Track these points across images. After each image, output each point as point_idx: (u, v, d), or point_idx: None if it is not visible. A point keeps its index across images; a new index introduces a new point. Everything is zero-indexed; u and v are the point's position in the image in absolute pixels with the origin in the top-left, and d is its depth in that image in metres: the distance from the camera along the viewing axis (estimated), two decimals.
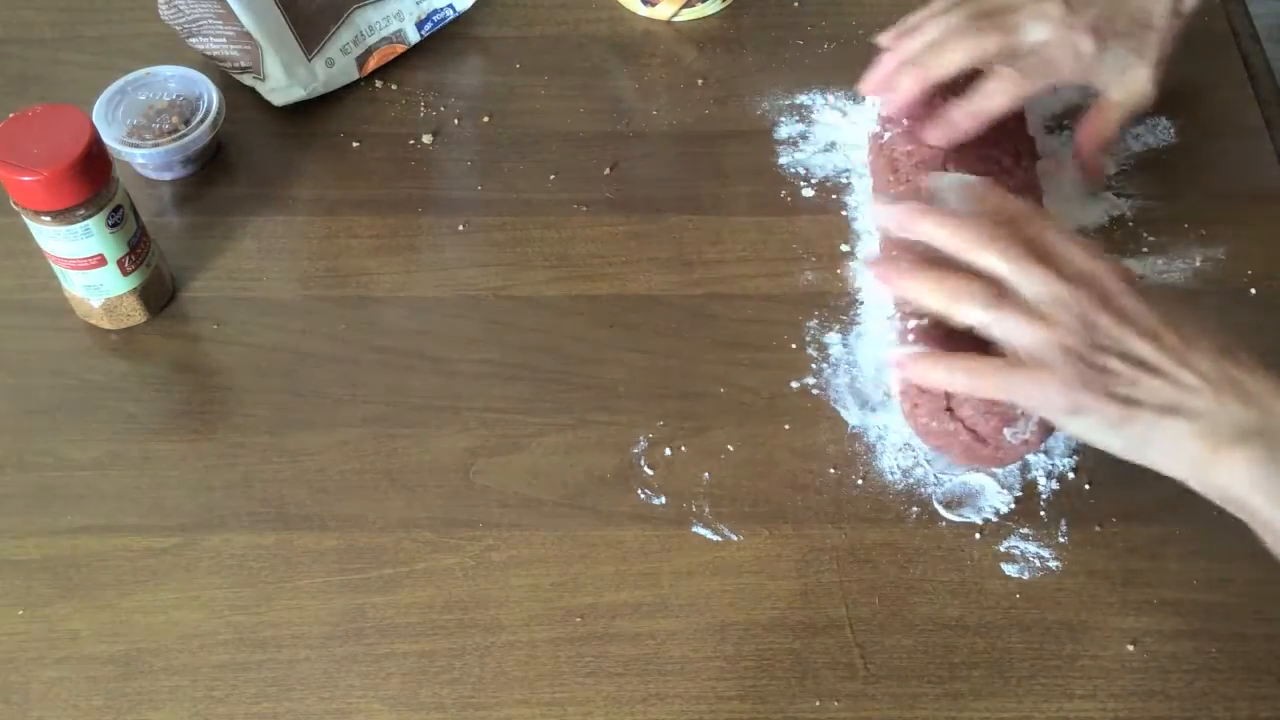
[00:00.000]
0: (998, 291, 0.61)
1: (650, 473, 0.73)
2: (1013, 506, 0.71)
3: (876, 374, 0.75)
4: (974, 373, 0.62)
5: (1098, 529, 0.70)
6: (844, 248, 0.81)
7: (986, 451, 0.68)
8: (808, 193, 0.84)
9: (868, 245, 0.81)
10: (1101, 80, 0.76)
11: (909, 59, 0.74)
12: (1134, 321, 0.60)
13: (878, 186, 0.78)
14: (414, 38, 0.92)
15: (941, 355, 0.64)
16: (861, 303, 0.79)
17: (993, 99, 0.73)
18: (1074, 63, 0.73)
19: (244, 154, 0.87)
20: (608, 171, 0.86)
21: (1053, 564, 0.69)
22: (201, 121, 0.83)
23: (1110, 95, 0.77)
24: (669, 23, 0.95)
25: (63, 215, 0.72)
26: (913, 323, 0.67)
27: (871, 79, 0.76)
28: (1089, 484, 0.72)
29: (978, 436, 0.67)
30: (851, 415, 0.74)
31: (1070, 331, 0.60)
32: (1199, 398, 0.59)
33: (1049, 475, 0.72)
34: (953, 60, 0.73)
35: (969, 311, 0.61)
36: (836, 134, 0.87)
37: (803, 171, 0.85)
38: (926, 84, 0.74)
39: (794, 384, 0.76)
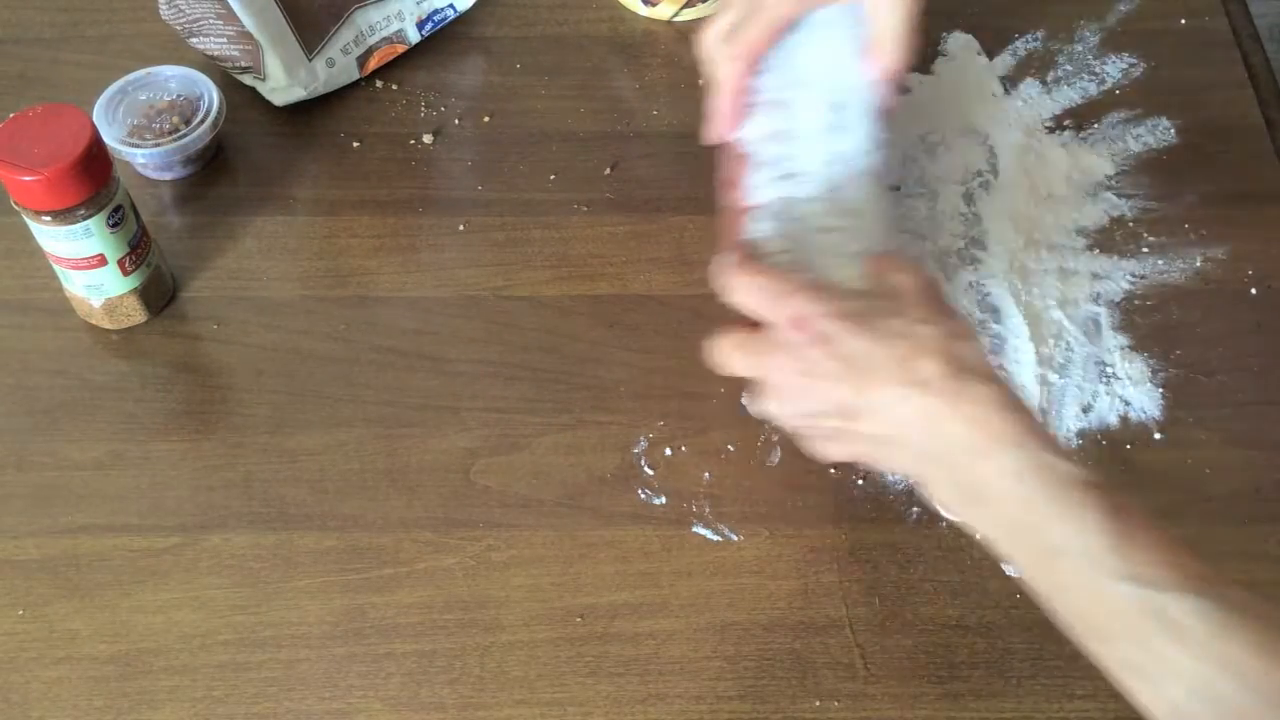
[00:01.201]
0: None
1: (650, 473, 0.73)
2: None
3: None
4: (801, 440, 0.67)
5: None
6: None
7: None
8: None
9: None
10: None
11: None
12: (818, 375, 0.61)
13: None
14: (414, 38, 0.92)
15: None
16: None
17: (732, 47, 0.70)
18: None
19: (244, 154, 0.87)
20: (608, 171, 0.86)
21: None
22: (201, 121, 0.83)
23: (876, 6, 0.71)
24: (669, 23, 0.95)
25: (63, 215, 0.72)
26: None
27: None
28: None
29: None
30: None
31: (788, 401, 0.64)
32: (888, 429, 0.60)
33: None
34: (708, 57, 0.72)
35: (753, 405, 0.68)
36: None
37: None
38: (731, 89, 0.72)
39: None
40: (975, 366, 0.59)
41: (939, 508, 0.63)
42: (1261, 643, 0.50)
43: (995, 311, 0.78)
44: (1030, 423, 0.58)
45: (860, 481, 0.72)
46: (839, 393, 0.61)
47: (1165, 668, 0.52)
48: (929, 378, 0.58)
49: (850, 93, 0.71)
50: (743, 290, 0.64)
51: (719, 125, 0.72)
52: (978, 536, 0.60)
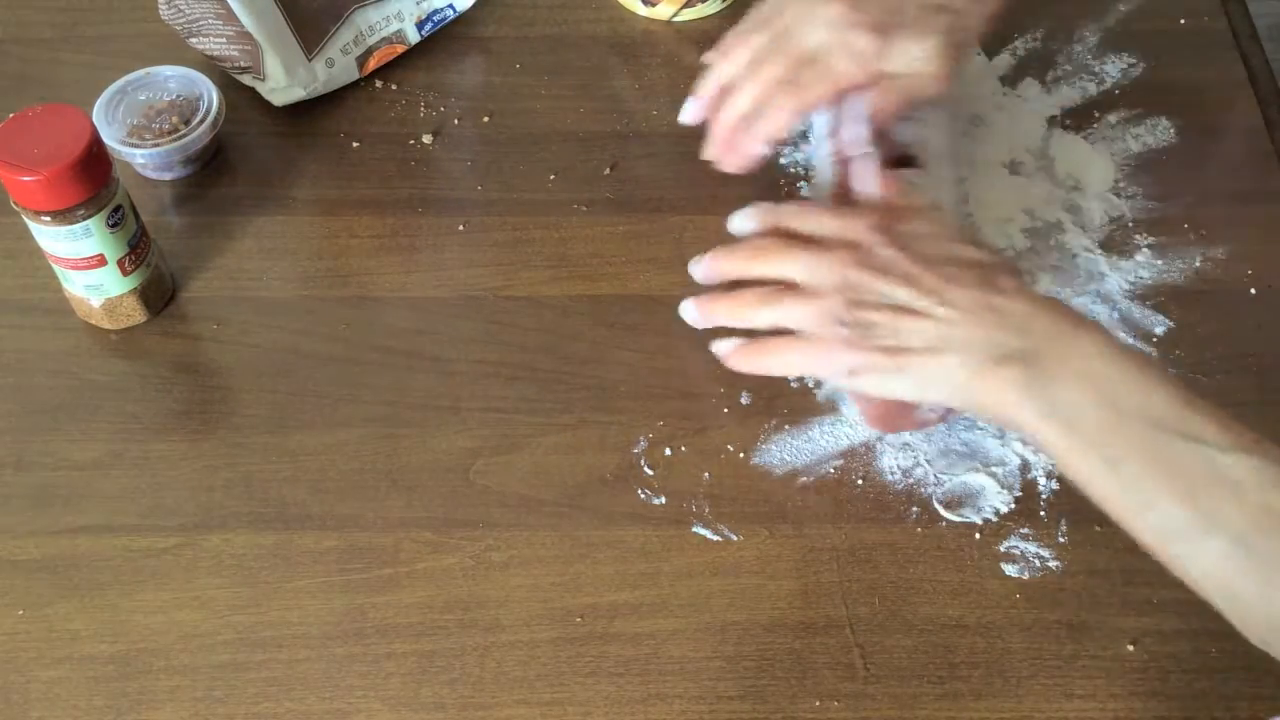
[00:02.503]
0: (775, 289, 0.67)
1: (650, 473, 0.73)
2: (1013, 506, 0.71)
3: None
4: (768, 352, 0.68)
5: (1098, 529, 0.70)
6: None
7: (895, 419, 0.72)
8: (807, 192, 0.84)
9: None
10: (894, 72, 0.74)
11: (716, 93, 0.77)
12: (888, 271, 0.65)
13: None
14: (414, 38, 0.92)
15: (753, 344, 0.69)
16: None
17: (774, 119, 0.74)
18: (854, 63, 0.72)
19: (244, 154, 0.87)
20: (608, 171, 0.86)
21: (1053, 564, 0.69)
22: (201, 121, 0.83)
23: (893, 75, 0.73)
24: (669, 23, 0.95)
25: (63, 215, 0.72)
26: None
27: (693, 111, 0.79)
28: None
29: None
30: (852, 414, 0.74)
31: (828, 298, 0.65)
32: (959, 329, 0.63)
33: (1049, 475, 0.72)
34: (746, 100, 0.75)
35: (755, 315, 0.68)
36: None
37: (803, 170, 0.85)
38: (738, 131, 0.76)
39: (794, 383, 0.76)
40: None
41: (975, 409, 0.65)
42: None
43: None
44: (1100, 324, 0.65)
45: (860, 482, 0.72)
46: (918, 284, 0.64)
47: (1210, 522, 0.56)
48: (1008, 289, 0.64)
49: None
50: (813, 210, 0.69)
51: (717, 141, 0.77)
52: (1025, 432, 0.62)
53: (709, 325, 0.71)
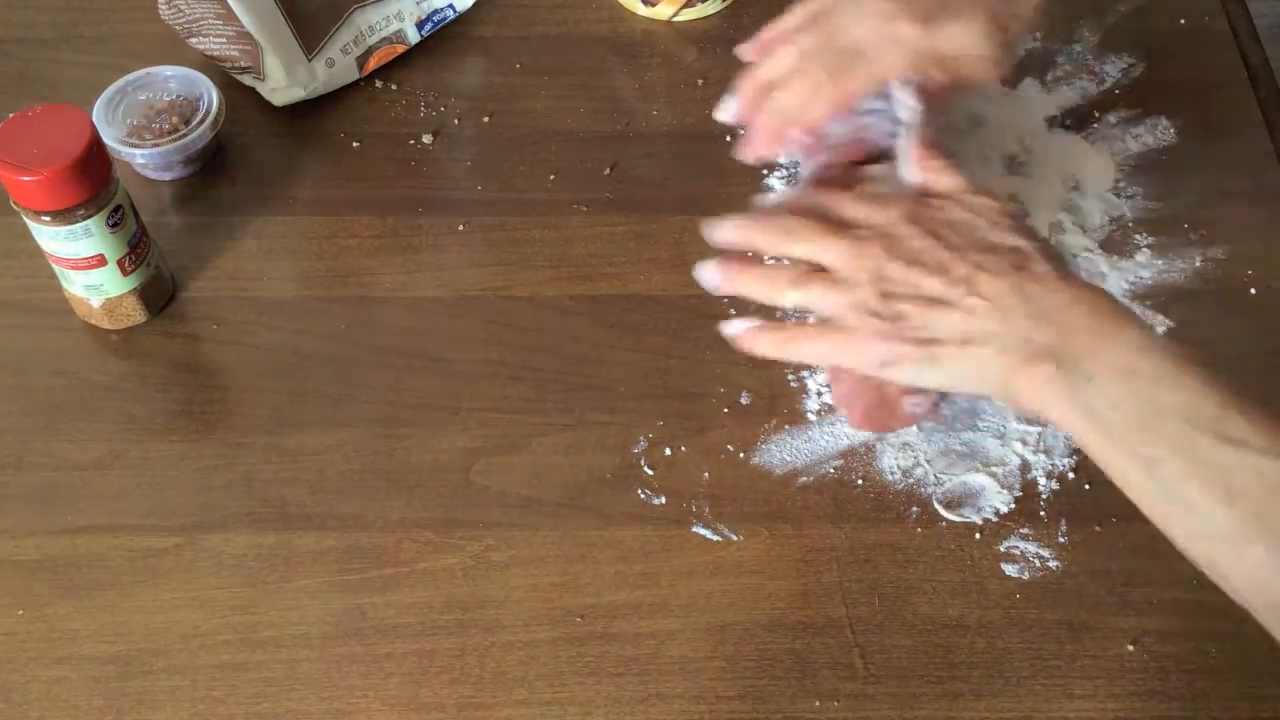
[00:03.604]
0: (805, 270, 0.65)
1: (650, 473, 0.73)
2: (1013, 506, 0.71)
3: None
4: (799, 339, 0.66)
5: (1098, 529, 0.70)
6: None
7: (883, 418, 0.71)
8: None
9: None
10: (948, 63, 0.73)
11: (758, 90, 0.74)
12: (920, 261, 0.63)
13: None
14: (414, 38, 0.92)
15: (778, 328, 0.67)
16: None
17: (814, 110, 0.72)
18: (898, 53, 0.71)
19: (244, 154, 0.88)
20: (608, 171, 0.86)
21: (1053, 564, 0.69)
22: (201, 121, 0.83)
23: (942, 58, 0.72)
24: (669, 23, 0.95)
25: (63, 215, 0.72)
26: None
27: (734, 109, 0.75)
28: (1089, 484, 0.72)
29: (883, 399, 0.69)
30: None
31: (861, 288, 0.63)
32: (990, 321, 0.61)
33: (1049, 475, 0.72)
34: (792, 99, 0.72)
35: (784, 294, 0.65)
36: None
37: (799, 169, 0.85)
38: (780, 128, 0.73)
39: (794, 383, 0.76)
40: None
41: (1012, 404, 0.63)
42: None
43: None
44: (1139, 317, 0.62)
45: (860, 481, 0.72)
46: (949, 274, 0.62)
47: (1252, 527, 0.54)
48: (1045, 277, 0.61)
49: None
50: (846, 196, 0.67)
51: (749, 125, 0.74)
52: (1061, 428, 0.61)
53: (729, 292, 0.68)
